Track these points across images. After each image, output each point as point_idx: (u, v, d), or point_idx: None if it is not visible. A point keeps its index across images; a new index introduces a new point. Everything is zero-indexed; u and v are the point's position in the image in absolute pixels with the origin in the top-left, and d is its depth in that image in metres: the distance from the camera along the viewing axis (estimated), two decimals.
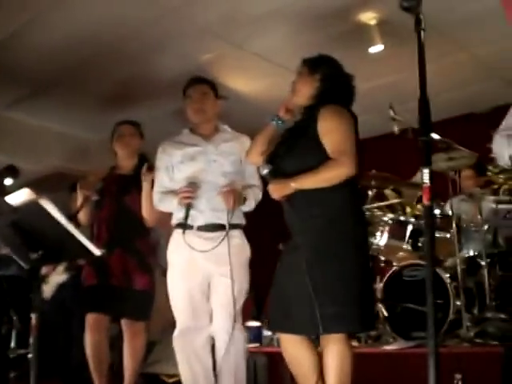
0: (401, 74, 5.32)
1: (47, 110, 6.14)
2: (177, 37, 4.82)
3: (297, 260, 2.66)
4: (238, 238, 3.37)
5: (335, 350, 2.68)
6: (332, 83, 2.90)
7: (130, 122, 4.12)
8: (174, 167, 3.45)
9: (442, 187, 5.13)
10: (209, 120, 3.50)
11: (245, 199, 3.35)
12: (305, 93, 2.91)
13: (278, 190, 2.75)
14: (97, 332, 3.82)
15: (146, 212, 3.79)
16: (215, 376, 3.33)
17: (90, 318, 3.83)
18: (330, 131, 2.73)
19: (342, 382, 2.65)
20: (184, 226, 3.31)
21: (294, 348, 2.77)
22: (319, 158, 2.71)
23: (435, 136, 4.51)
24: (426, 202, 1.70)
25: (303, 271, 2.60)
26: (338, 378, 2.65)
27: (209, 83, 3.56)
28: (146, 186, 3.71)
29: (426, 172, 1.70)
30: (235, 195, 3.26)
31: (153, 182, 3.59)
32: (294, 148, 2.81)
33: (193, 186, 3.30)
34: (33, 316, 2.48)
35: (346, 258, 2.67)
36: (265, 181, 2.99)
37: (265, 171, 2.84)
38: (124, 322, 3.96)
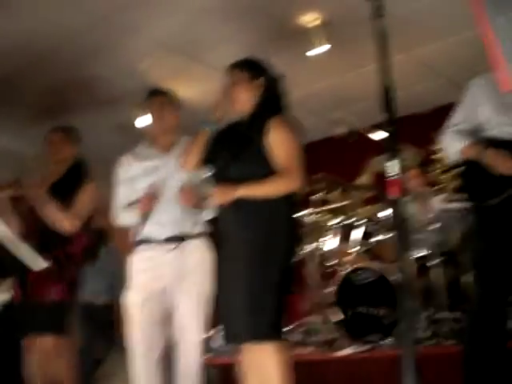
0: (344, 76, 5.31)
1: None
2: (111, 45, 4.74)
3: (233, 270, 2.66)
4: (200, 248, 3.26)
5: (277, 358, 2.61)
6: (275, 90, 2.85)
7: (60, 128, 3.96)
8: (133, 180, 3.34)
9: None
10: (167, 131, 3.41)
11: (204, 206, 3.23)
12: (245, 100, 2.82)
13: (223, 195, 2.67)
14: (32, 353, 3.64)
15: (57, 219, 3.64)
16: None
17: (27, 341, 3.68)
18: (281, 145, 2.68)
19: None
20: (146, 241, 3.24)
21: (246, 360, 2.72)
22: (266, 169, 2.68)
23: (382, 135, 4.50)
24: (394, 194, 1.60)
25: (240, 282, 2.60)
26: None
27: (167, 94, 3.48)
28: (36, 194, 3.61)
29: (393, 164, 1.60)
30: (194, 194, 3.18)
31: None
32: (239, 156, 2.73)
33: (152, 195, 3.22)
34: None
35: (275, 271, 2.62)
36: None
37: (206, 175, 2.73)
38: (41, 341, 3.69)
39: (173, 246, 3.21)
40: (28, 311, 3.63)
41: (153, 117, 3.39)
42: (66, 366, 3.75)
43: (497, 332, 2.73)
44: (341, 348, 4.36)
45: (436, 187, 6.00)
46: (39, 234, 3.68)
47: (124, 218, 3.36)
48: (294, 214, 2.91)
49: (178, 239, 3.22)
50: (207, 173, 2.78)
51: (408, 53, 5.21)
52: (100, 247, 5.23)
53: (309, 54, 4.85)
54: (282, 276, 2.64)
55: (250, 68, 2.86)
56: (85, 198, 3.74)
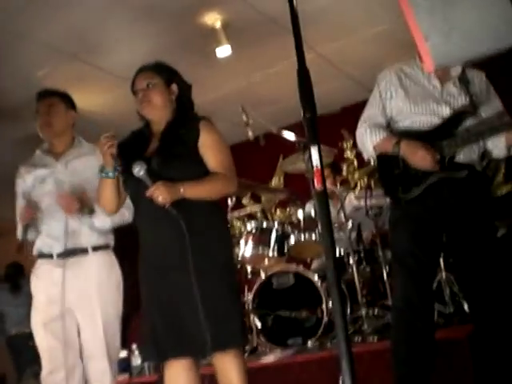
0: (251, 78, 5.24)
1: None
2: (9, 54, 4.46)
3: (182, 278, 2.50)
4: (102, 263, 3.05)
5: (238, 365, 2.58)
6: (189, 96, 2.82)
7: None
8: (29, 193, 3.12)
9: (301, 188, 5.11)
10: (58, 134, 3.20)
11: (92, 211, 3.00)
12: (162, 104, 2.72)
13: (166, 194, 2.48)
14: None
15: None
16: None
17: None
18: (214, 146, 2.65)
19: None
20: (41, 256, 3.05)
21: (187, 374, 2.59)
22: (199, 170, 2.62)
23: (292, 136, 4.45)
24: (318, 186, 1.51)
25: (191, 290, 2.47)
26: None
27: (57, 94, 3.25)
28: None
29: (314, 151, 1.50)
30: (74, 200, 2.96)
31: None
32: (171, 157, 2.63)
33: (31, 203, 3.02)
34: None
35: (228, 274, 2.63)
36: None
37: (141, 172, 2.53)
38: None
39: (67, 261, 2.98)
40: None
41: (40, 121, 3.15)
42: None
43: (426, 325, 2.72)
44: (264, 354, 4.27)
45: (348, 185, 6.08)
46: None
47: (19, 232, 3.09)
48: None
49: (75, 252, 3.01)
50: (140, 169, 2.56)
51: (315, 51, 5.19)
52: (18, 278, 4.99)
53: (218, 55, 4.75)
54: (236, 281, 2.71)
55: (165, 72, 2.78)
56: None
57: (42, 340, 3.00)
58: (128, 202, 2.88)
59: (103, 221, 3.03)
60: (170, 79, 2.76)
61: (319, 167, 1.51)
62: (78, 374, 2.99)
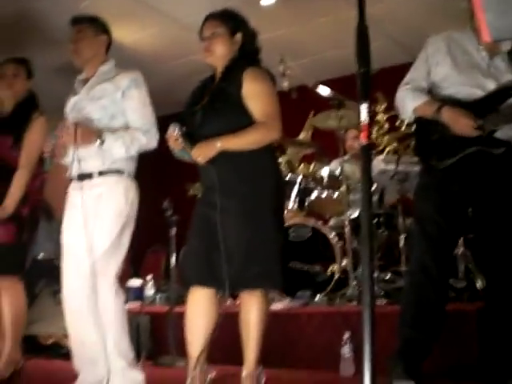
0: (293, 27, 5.18)
1: None
2: None
3: (231, 218, 2.65)
4: (105, 187, 3.01)
5: (259, 306, 2.73)
6: (253, 46, 2.83)
7: (15, 60, 3.75)
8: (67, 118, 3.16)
9: (329, 146, 5.12)
10: (87, 61, 3.17)
11: (102, 140, 2.93)
12: (223, 54, 2.77)
13: (203, 153, 2.62)
14: None
15: None
16: None
17: None
18: (257, 95, 2.69)
19: (261, 337, 2.73)
20: (71, 179, 3.08)
21: (204, 302, 2.73)
22: (244, 121, 2.67)
23: (327, 92, 4.44)
24: (363, 140, 1.53)
25: (232, 230, 2.63)
26: (260, 333, 2.72)
27: (86, 20, 3.20)
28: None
29: (363, 107, 1.52)
30: (76, 131, 2.88)
31: None
32: (213, 112, 2.70)
33: (63, 131, 2.96)
34: None
35: (268, 220, 2.70)
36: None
37: (176, 129, 2.63)
38: None
39: (80, 183, 3.00)
40: None
41: (72, 47, 3.13)
42: (16, 307, 3.65)
43: (438, 293, 2.74)
44: (273, 302, 4.35)
45: (377, 148, 6.07)
46: None
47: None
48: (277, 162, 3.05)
49: (85, 176, 3.00)
50: (176, 128, 2.64)
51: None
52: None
53: (262, 3, 4.72)
54: (280, 228, 2.79)
55: (231, 21, 2.80)
56: (36, 137, 3.55)
57: (62, 261, 3.06)
58: (148, 126, 2.97)
59: (114, 148, 2.97)
60: (236, 28, 2.78)
61: (367, 123, 1.53)
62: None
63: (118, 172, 3.02)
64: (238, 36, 2.78)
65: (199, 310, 2.73)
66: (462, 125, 2.68)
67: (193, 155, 2.63)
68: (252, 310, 2.72)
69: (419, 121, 2.87)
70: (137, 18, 5.09)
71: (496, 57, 2.82)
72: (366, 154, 1.57)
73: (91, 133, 2.91)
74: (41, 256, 5.32)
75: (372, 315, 1.48)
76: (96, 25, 3.21)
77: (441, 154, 2.78)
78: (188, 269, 2.79)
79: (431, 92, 2.87)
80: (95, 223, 2.92)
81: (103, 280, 2.94)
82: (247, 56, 2.79)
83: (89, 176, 2.99)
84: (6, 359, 3.62)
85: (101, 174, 2.99)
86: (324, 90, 4.10)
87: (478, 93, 2.76)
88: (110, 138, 2.93)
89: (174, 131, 2.65)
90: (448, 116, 2.71)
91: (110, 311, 2.97)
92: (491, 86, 2.77)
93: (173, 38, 5.16)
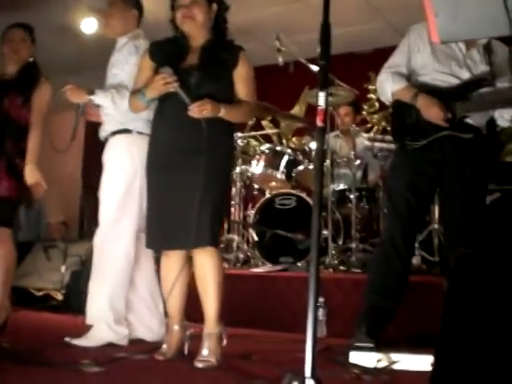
0: (289, 5, 5.33)
1: None
2: None
3: (186, 178, 2.75)
4: (116, 145, 3.31)
5: (214, 263, 2.78)
6: (225, 15, 2.94)
7: (21, 25, 3.87)
8: None
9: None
10: (118, 34, 3.39)
11: (93, 96, 3.24)
12: (202, 21, 2.85)
13: (208, 109, 2.69)
14: None
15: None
16: None
17: None
18: (247, 78, 2.88)
19: (220, 293, 2.77)
20: None
21: (177, 264, 2.84)
22: (229, 93, 2.84)
23: (317, 69, 4.60)
24: (319, 123, 1.74)
25: (196, 192, 2.69)
26: (218, 290, 2.76)
27: None
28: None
29: (321, 95, 1.74)
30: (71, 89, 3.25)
31: None
32: (212, 75, 2.83)
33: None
34: None
35: (226, 183, 3.01)
36: None
37: (170, 73, 2.74)
38: None
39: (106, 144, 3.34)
40: None
41: (103, 20, 3.33)
42: (8, 256, 3.77)
43: (402, 264, 2.98)
44: (256, 266, 4.59)
45: (366, 126, 6.25)
46: None
47: None
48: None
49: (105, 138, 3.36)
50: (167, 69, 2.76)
51: None
52: None
53: None
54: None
55: None
56: (45, 99, 3.72)
57: None
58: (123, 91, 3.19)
59: (98, 99, 3.26)
60: None
61: (323, 108, 1.74)
62: None
63: (127, 131, 3.29)
64: (214, 6, 2.88)
65: (172, 273, 2.84)
66: (432, 113, 2.90)
67: (197, 106, 2.68)
68: (207, 267, 2.77)
69: (396, 104, 3.07)
70: None
71: (472, 48, 3.02)
72: (321, 135, 1.78)
73: (81, 90, 3.23)
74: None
75: (317, 282, 1.71)
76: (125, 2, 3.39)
77: (414, 135, 2.99)
78: (152, 234, 2.88)
79: (410, 77, 3.07)
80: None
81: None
82: (222, 27, 2.93)
83: (106, 138, 3.33)
84: None
85: (113, 134, 3.29)
86: (315, 68, 4.26)
87: (454, 81, 2.97)
88: (100, 94, 3.22)
89: (169, 74, 2.74)
90: (422, 103, 2.92)
91: None
92: (466, 75, 2.97)
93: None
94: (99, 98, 3.23)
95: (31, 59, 3.86)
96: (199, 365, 2.63)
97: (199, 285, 2.80)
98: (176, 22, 2.88)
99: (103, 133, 3.37)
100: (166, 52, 2.91)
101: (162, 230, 2.80)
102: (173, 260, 2.86)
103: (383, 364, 2.64)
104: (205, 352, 2.68)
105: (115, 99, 3.21)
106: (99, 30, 3.21)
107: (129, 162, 3.25)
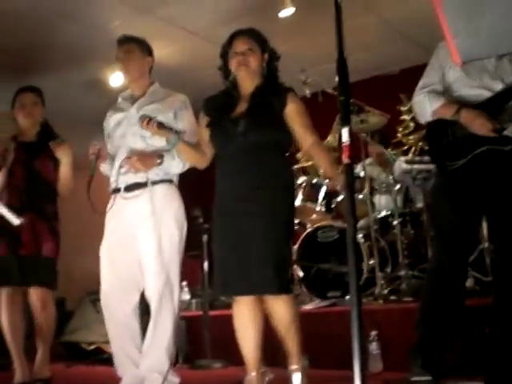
0: (312, 37, 5.30)
1: None
2: (83, 4, 4.67)
3: (253, 225, 2.78)
4: (160, 194, 3.22)
5: (292, 309, 2.86)
6: (276, 64, 3.01)
7: (31, 89, 3.97)
8: (110, 135, 3.38)
9: (354, 149, 5.19)
10: (135, 80, 3.38)
11: (161, 160, 3.19)
12: (256, 69, 2.93)
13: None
14: (11, 305, 3.74)
15: (67, 185, 3.82)
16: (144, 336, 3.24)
17: (5, 292, 3.76)
18: (300, 112, 2.90)
19: (299, 333, 2.89)
20: (114, 190, 3.29)
21: (249, 311, 2.87)
22: (282, 136, 2.88)
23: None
24: (345, 160, 1.67)
25: (261, 236, 2.75)
26: (298, 331, 2.88)
27: (134, 41, 3.40)
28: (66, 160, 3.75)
29: (345, 131, 1.67)
30: (139, 160, 3.15)
31: None
32: (259, 121, 2.85)
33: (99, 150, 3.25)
34: None
35: (290, 225, 2.91)
36: None
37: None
38: (33, 292, 3.80)
39: (131, 193, 3.22)
40: (22, 264, 3.68)
41: (121, 66, 3.32)
42: (51, 317, 3.84)
43: (454, 290, 2.84)
44: (303, 303, 4.48)
45: (402, 148, 6.13)
46: (28, 192, 3.73)
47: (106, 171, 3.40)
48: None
49: (137, 185, 3.22)
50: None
51: (376, 14, 5.22)
52: None
53: (280, 15, 4.88)
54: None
55: (261, 40, 2.98)
56: (71, 160, 3.80)
57: (103, 267, 3.26)
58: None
59: (171, 166, 3.23)
60: (264, 47, 2.97)
61: (347, 144, 1.68)
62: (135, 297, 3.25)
63: (170, 181, 3.28)
64: (266, 55, 2.97)
65: (246, 319, 2.88)
66: (478, 125, 2.79)
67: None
68: (285, 312, 2.84)
69: (431, 124, 2.97)
70: (162, 36, 5.27)
71: (503, 58, 2.91)
72: (349, 171, 1.71)
73: (153, 158, 3.18)
74: None
75: (359, 313, 1.61)
76: (143, 46, 3.41)
77: (453, 155, 2.87)
78: (222, 280, 2.89)
79: (445, 94, 2.98)
80: (161, 231, 3.16)
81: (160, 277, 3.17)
82: (274, 75, 3.00)
83: (142, 185, 3.20)
84: (41, 361, 3.81)
85: (154, 183, 3.21)
86: None
87: (486, 94, 2.86)
88: (168, 158, 3.19)
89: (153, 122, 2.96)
90: (466, 117, 2.82)
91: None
92: (498, 86, 2.86)
93: (196, 51, 5.38)
94: (167, 162, 3.20)
95: (43, 120, 3.96)
96: None
97: (278, 327, 2.88)
98: (228, 69, 2.98)
99: (136, 179, 3.24)
100: (218, 105, 3.01)
101: (235, 276, 2.80)
102: (243, 304, 2.88)
103: None
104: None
105: (184, 161, 3.22)
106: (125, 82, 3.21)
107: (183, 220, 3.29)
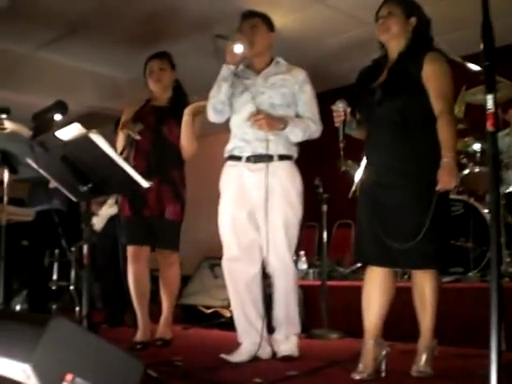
0: (440, 2, 5.12)
1: (79, 50, 6.20)
2: None
3: (402, 197, 2.76)
4: (284, 170, 3.37)
5: (433, 284, 2.87)
6: (426, 30, 2.91)
7: (158, 55, 4.13)
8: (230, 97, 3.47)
9: (482, 121, 5.01)
10: (260, 53, 3.49)
11: (285, 126, 3.30)
12: (397, 33, 2.88)
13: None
14: (136, 263, 3.93)
15: (185, 142, 3.91)
16: (266, 306, 3.41)
17: (130, 250, 3.96)
18: (436, 75, 2.76)
19: (436, 312, 2.89)
20: (233, 157, 3.42)
21: (382, 282, 2.87)
22: (421, 101, 2.76)
23: (476, 67, 4.37)
24: (490, 128, 1.64)
25: (411, 210, 2.73)
26: (435, 309, 2.88)
27: (259, 16, 3.51)
28: (187, 118, 3.84)
29: (489, 98, 1.64)
30: (265, 119, 3.26)
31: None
32: (393, 91, 2.81)
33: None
34: (84, 247, 2.53)
35: (442, 200, 2.75)
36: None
37: (343, 105, 2.87)
38: (158, 252, 4.03)
39: (256, 164, 3.34)
40: (147, 225, 3.90)
41: (245, 39, 3.39)
42: (176, 278, 4.06)
43: None
44: None
45: None
46: (155, 156, 3.91)
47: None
48: None
49: (262, 157, 3.34)
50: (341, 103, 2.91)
51: None
52: None
53: None
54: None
55: (407, 4, 2.91)
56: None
57: (226, 238, 3.42)
58: (317, 118, 3.38)
59: (292, 134, 3.35)
60: (411, 12, 2.88)
61: (492, 112, 1.65)
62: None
63: (291, 158, 3.42)
64: (413, 20, 2.87)
65: (376, 288, 2.88)
66: None
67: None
68: (425, 286, 2.86)
69: None
70: (282, 4, 5.31)
71: None
72: (493, 140, 1.68)
73: (279, 120, 3.30)
74: None
75: (499, 292, 1.59)
76: (267, 21, 3.53)
77: None
78: (363, 248, 2.92)
79: None
80: (287, 207, 3.33)
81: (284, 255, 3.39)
82: (422, 40, 2.88)
83: (267, 158, 3.33)
84: (165, 323, 4.04)
85: (280, 157, 3.36)
86: (472, 66, 4.06)
87: None
88: (291, 125, 3.31)
89: (342, 107, 2.87)
90: None
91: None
92: None
93: (321, 19, 5.35)
94: (289, 128, 3.33)
95: (175, 84, 4.09)
96: (416, 374, 2.81)
97: (417, 301, 2.92)
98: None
99: (264, 150, 3.35)
100: (363, 76, 3.02)
101: (375, 246, 2.83)
102: (377, 274, 2.89)
103: None
104: (422, 363, 2.84)
105: (303, 131, 3.36)
106: (245, 51, 3.30)
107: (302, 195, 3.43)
